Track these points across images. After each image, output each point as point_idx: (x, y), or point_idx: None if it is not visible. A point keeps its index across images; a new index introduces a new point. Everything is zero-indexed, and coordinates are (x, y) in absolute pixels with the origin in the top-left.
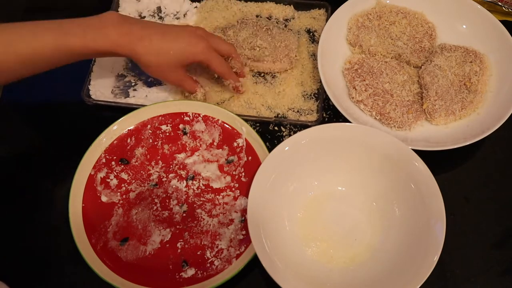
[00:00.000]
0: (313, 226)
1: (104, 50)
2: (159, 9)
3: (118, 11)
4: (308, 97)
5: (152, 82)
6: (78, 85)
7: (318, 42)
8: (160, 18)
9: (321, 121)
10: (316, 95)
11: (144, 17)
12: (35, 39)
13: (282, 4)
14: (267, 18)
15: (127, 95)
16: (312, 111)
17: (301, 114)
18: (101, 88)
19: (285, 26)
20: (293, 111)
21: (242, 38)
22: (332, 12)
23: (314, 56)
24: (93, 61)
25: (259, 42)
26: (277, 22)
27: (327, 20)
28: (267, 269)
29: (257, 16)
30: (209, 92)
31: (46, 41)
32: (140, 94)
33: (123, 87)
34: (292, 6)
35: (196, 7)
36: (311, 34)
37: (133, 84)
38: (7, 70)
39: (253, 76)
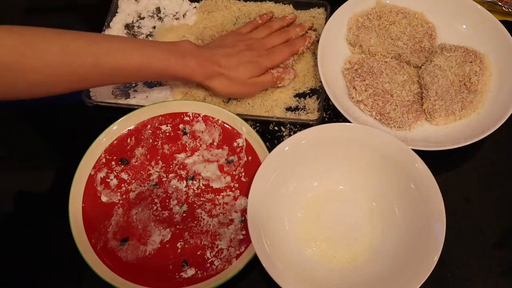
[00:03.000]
0: (313, 226)
1: (182, 76)
2: (158, 9)
3: (117, 12)
4: (309, 96)
5: (152, 83)
6: None
7: (318, 42)
8: (160, 18)
9: (321, 121)
10: (317, 94)
11: (144, 17)
12: (122, 57)
13: (281, 3)
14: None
15: (127, 96)
16: (314, 109)
17: (301, 113)
18: (101, 89)
19: None
20: (294, 109)
21: None
22: (331, 11)
23: (315, 54)
24: None
25: None
26: None
27: (326, 19)
28: (267, 269)
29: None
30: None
31: (132, 60)
32: (140, 95)
33: (123, 88)
34: (291, 5)
35: (195, 7)
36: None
37: (133, 85)
38: (88, 80)
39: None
